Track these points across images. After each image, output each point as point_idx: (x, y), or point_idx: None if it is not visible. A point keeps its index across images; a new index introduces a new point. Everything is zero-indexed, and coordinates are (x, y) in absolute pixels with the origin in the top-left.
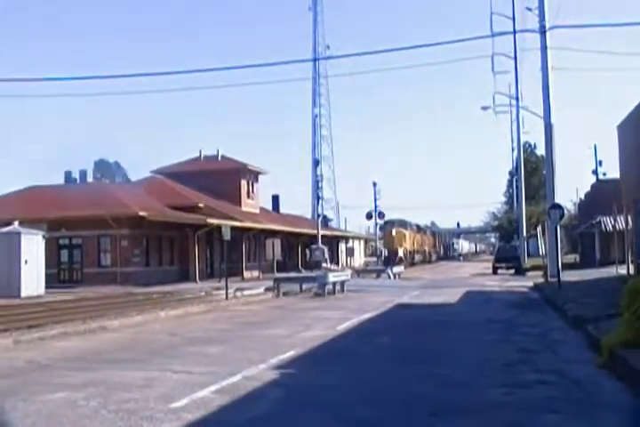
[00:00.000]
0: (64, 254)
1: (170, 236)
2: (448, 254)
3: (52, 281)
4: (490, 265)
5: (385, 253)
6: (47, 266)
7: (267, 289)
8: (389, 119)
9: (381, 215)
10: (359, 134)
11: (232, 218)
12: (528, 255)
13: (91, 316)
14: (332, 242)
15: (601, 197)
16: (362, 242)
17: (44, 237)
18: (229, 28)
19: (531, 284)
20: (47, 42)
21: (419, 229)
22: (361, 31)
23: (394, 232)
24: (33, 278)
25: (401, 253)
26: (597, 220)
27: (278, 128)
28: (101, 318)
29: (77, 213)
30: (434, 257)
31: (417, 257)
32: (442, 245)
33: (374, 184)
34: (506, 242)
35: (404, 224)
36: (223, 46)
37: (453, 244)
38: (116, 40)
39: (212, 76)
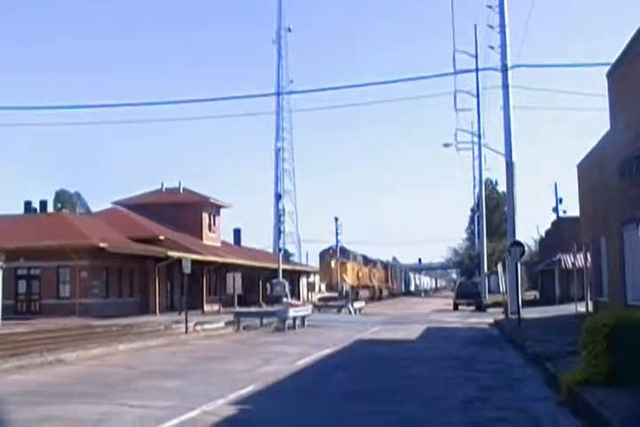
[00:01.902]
0: (22, 285)
1: (130, 268)
2: (404, 290)
3: (9, 312)
4: (450, 301)
5: (339, 287)
6: (4, 297)
7: (227, 323)
8: (353, 154)
9: (343, 250)
10: (322, 169)
11: (193, 251)
12: (489, 292)
13: (48, 348)
14: (294, 276)
15: (561, 234)
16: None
17: (1, 267)
18: (191, 60)
19: (491, 320)
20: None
21: (366, 261)
22: (327, 66)
23: (333, 263)
24: None
25: (347, 286)
26: (557, 257)
27: (241, 162)
28: (58, 351)
29: (36, 243)
30: (384, 293)
31: (362, 293)
32: (395, 281)
33: (336, 219)
34: (467, 278)
35: (346, 254)
36: (191, 80)
37: (411, 279)
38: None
39: (177, 109)
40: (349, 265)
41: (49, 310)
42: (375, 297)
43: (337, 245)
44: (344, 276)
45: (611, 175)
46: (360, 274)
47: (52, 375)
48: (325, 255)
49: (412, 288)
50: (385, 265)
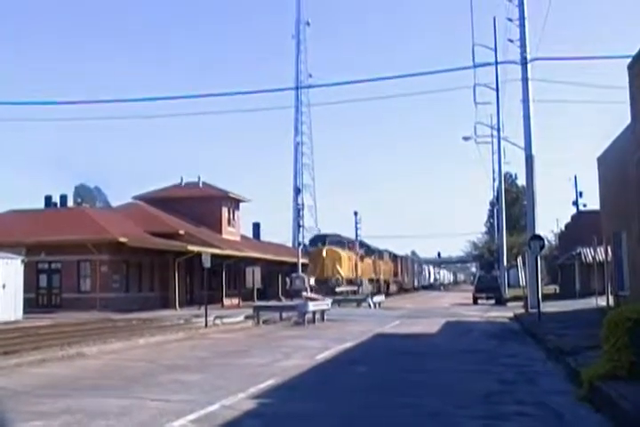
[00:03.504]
0: (43, 279)
1: (150, 262)
2: (417, 284)
3: (31, 306)
4: (470, 295)
5: (332, 281)
6: (25, 291)
7: (246, 317)
8: (372, 148)
9: (363, 245)
10: (341, 163)
11: (213, 245)
12: (508, 285)
13: (69, 342)
14: None
15: (581, 228)
16: None
17: (22, 261)
18: (208, 53)
19: (511, 314)
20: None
21: (369, 251)
22: (345, 60)
23: (324, 252)
24: (10, 303)
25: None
26: (577, 251)
27: (260, 156)
28: (79, 345)
29: (57, 237)
30: (392, 288)
31: (364, 286)
32: (406, 274)
33: (355, 213)
34: (486, 272)
35: (340, 242)
36: (202, 72)
37: (425, 272)
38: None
39: (194, 103)
40: (345, 255)
41: (69, 304)
42: (381, 292)
43: (356, 240)
44: (337, 267)
45: (631, 168)
46: (358, 266)
47: (73, 369)
48: (316, 243)
49: (431, 282)
50: (394, 257)
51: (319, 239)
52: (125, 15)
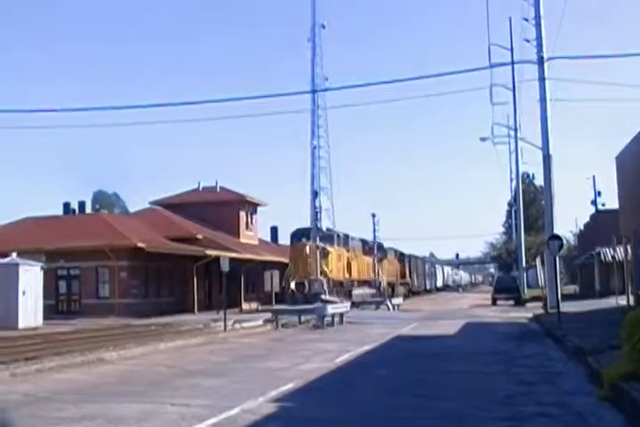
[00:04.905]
0: (62, 285)
1: (168, 267)
2: (429, 287)
3: (51, 312)
4: (489, 296)
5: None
6: (45, 297)
7: (265, 321)
8: (388, 150)
9: (380, 248)
10: (359, 165)
11: (230, 249)
12: (527, 286)
13: (89, 348)
14: None
15: (600, 227)
16: None
17: (42, 268)
18: (223, 57)
19: (530, 315)
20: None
21: (366, 246)
22: (361, 63)
23: (308, 250)
24: (31, 310)
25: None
26: (597, 251)
27: (277, 159)
28: (99, 350)
29: (76, 243)
30: (399, 290)
31: (357, 292)
32: (416, 275)
33: (373, 216)
34: (505, 272)
35: (329, 237)
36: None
37: (438, 273)
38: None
39: (208, 108)
40: (333, 252)
41: (89, 310)
42: (383, 295)
43: (374, 242)
44: (324, 267)
45: None
46: (355, 265)
47: (93, 374)
48: (296, 238)
49: (449, 283)
50: (401, 256)
51: (302, 233)
52: (139, 18)
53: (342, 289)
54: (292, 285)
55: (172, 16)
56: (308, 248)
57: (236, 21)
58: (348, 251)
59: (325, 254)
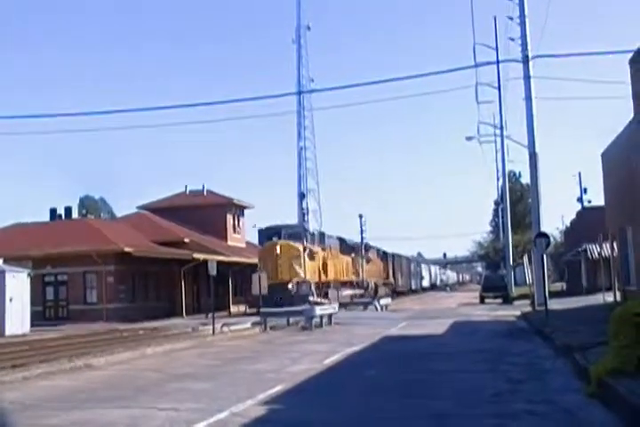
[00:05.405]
0: (50, 291)
1: (156, 271)
2: (414, 287)
3: (38, 318)
4: (476, 295)
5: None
6: (32, 303)
7: (253, 324)
8: (375, 151)
9: (367, 247)
10: (345, 166)
11: (218, 253)
12: (515, 284)
13: (76, 354)
14: None
15: (586, 224)
16: None
17: (29, 274)
18: (208, 60)
19: (518, 313)
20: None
21: (348, 247)
22: (346, 64)
23: (278, 248)
24: (18, 316)
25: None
26: (583, 247)
27: (264, 162)
28: (87, 356)
29: (63, 249)
30: (382, 291)
31: (332, 293)
32: (400, 275)
33: (360, 216)
34: (492, 271)
35: (298, 235)
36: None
37: (423, 273)
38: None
39: (196, 111)
40: (301, 250)
41: (77, 316)
42: (365, 296)
43: (362, 242)
44: (295, 268)
45: (636, 164)
46: (331, 265)
47: (81, 380)
48: (265, 236)
49: (436, 282)
50: (383, 255)
51: (272, 232)
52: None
53: (318, 291)
54: (265, 287)
55: (159, 19)
56: (278, 248)
57: (224, 24)
58: (323, 250)
59: (296, 254)
